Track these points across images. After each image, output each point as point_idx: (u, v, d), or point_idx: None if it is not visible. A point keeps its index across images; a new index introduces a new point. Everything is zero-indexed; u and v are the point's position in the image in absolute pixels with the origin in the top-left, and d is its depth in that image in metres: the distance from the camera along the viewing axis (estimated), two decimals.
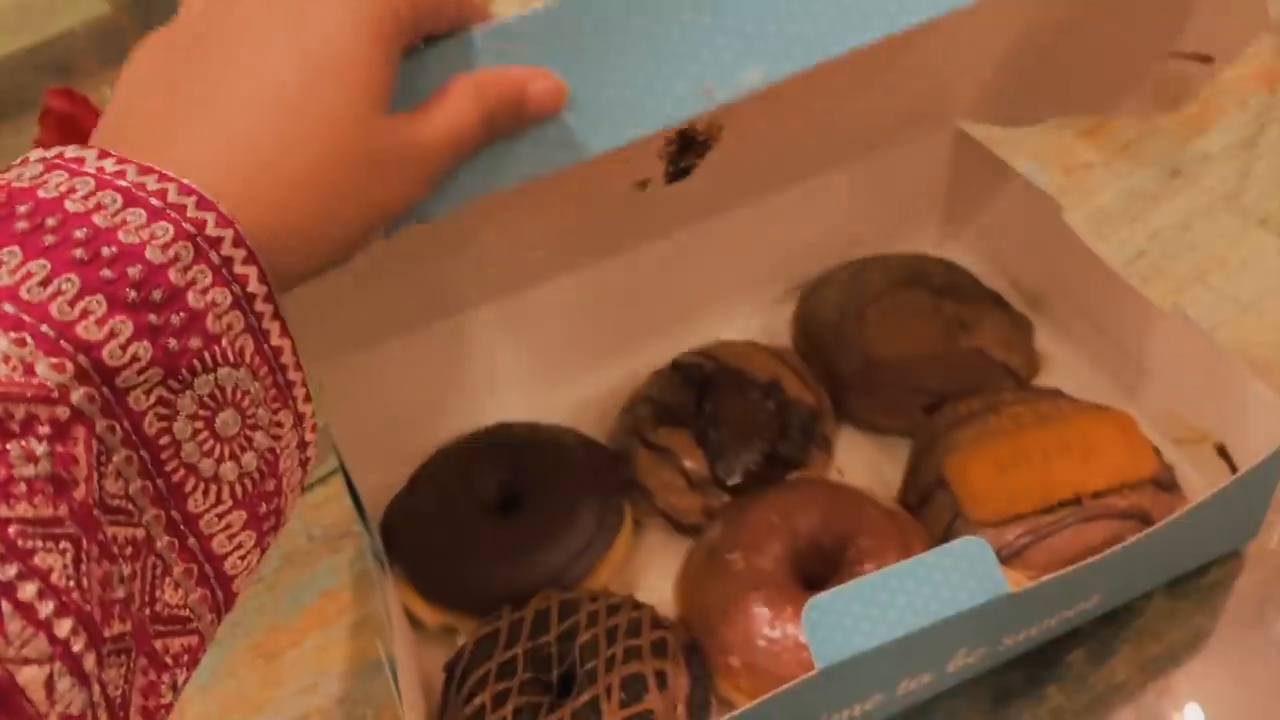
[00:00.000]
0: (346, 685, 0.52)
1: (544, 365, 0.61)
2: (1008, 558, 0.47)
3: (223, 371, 0.27)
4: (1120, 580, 0.47)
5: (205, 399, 0.27)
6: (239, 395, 0.28)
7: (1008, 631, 0.45)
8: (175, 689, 0.28)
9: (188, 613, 0.28)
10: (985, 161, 0.61)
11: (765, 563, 0.48)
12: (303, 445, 0.31)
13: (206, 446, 0.28)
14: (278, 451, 0.30)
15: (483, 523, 0.53)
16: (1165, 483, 0.49)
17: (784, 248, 0.63)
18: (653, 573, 0.54)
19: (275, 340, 0.29)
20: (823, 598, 0.41)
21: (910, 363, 0.56)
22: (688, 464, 0.54)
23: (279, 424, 0.30)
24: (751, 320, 0.64)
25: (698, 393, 0.56)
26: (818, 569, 0.49)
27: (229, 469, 0.28)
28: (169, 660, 0.28)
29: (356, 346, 0.55)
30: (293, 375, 0.30)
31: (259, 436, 0.29)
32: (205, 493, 0.28)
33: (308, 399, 0.31)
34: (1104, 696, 0.47)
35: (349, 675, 0.53)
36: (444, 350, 0.57)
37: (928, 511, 0.51)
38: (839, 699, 0.43)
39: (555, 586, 0.50)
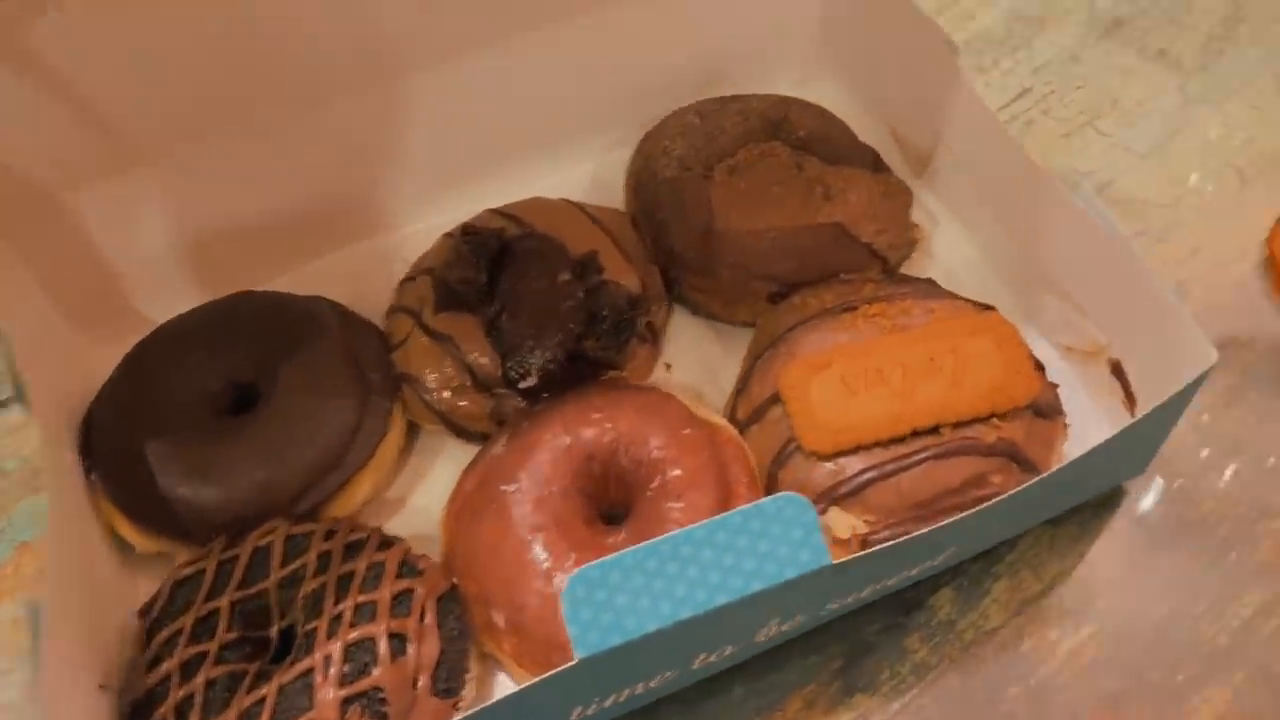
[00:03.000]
0: None
1: (302, 219, 0.48)
2: (844, 496, 0.38)
3: None
4: (979, 534, 0.38)
5: None
6: None
7: (831, 599, 0.36)
8: None
9: None
10: None
11: (548, 495, 0.39)
12: None
13: None
14: None
15: (205, 424, 0.42)
16: (1045, 409, 0.40)
17: (626, 77, 0.51)
18: (427, 489, 0.44)
19: None
20: (589, 570, 0.31)
21: (756, 238, 0.45)
22: (473, 358, 0.43)
23: None
24: (579, 169, 0.52)
25: (491, 266, 0.45)
26: (616, 503, 0.40)
27: None
28: None
29: (49, 187, 0.42)
30: None
31: None
32: None
33: None
34: (973, 646, 0.40)
35: None
36: (169, 192, 0.45)
37: (759, 431, 0.41)
38: (619, 679, 0.34)
39: (291, 511, 0.40)
